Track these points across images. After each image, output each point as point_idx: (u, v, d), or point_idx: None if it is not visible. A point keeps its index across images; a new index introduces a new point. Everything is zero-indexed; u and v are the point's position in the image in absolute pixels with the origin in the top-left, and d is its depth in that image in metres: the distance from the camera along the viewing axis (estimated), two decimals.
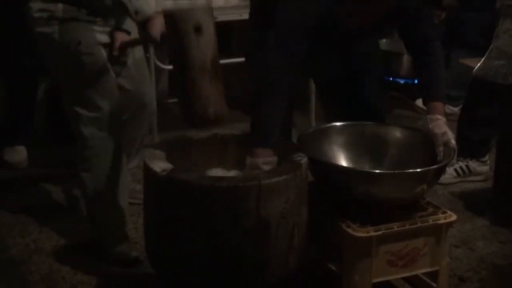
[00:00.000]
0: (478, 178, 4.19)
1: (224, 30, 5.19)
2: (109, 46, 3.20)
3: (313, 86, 4.70)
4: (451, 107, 5.10)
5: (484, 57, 3.49)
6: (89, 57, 3.15)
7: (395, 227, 2.75)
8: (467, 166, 4.20)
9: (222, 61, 4.63)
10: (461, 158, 4.16)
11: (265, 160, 2.71)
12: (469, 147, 4.15)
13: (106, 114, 3.21)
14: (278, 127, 2.77)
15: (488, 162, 4.18)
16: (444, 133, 2.90)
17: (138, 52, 3.52)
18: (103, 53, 3.19)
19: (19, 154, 4.37)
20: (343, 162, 3.04)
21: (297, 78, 2.97)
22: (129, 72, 3.47)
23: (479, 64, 3.50)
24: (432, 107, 2.98)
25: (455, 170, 4.20)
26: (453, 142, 2.89)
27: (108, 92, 3.22)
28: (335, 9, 2.80)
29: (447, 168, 4.13)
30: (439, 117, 2.95)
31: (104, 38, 3.20)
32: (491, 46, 3.48)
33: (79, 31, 3.14)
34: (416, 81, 5.52)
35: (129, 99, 3.49)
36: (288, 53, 2.78)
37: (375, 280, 2.78)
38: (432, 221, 2.83)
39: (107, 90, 3.21)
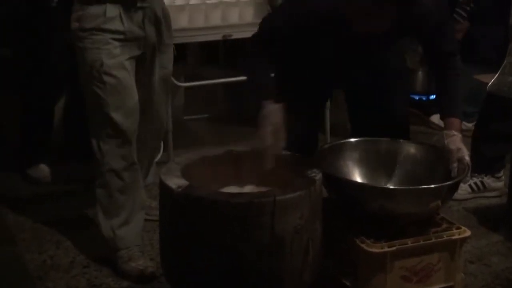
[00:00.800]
0: (493, 194, 4.18)
1: (238, 47, 5.24)
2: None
3: (328, 103, 4.71)
4: (465, 123, 5.07)
5: (498, 73, 3.50)
6: (110, 78, 3.21)
7: (409, 242, 2.76)
8: (481, 182, 4.20)
9: (234, 78, 4.73)
10: (476, 174, 4.16)
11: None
12: (483, 163, 4.15)
13: (125, 132, 3.25)
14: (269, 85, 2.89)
15: (503, 178, 4.17)
16: (459, 150, 2.91)
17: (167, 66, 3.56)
18: (128, 72, 3.25)
19: (42, 172, 4.41)
20: (358, 178, 3.06)
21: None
22: (151, 86, 3.50)
23: (493, 80, 3.51)
24: (449, 122, 3.00)
25: (470, 186, 4.20)
26: (467, 158, 2.90)
27: (129, 111, 3.26)
28: (342, 11, 2.80)
29: (462, 184, 4.13)
30: (455, 133, 2.96)
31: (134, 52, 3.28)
32: (505, 62, 3.49)
33: (103, 52, 3.21)
34: (431, 97, 5.53)
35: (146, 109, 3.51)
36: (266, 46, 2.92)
37: None
38: (446, 236, 2.83)
39: (128, 108, 3.26)
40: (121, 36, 3.25)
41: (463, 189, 4.15)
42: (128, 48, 3.28)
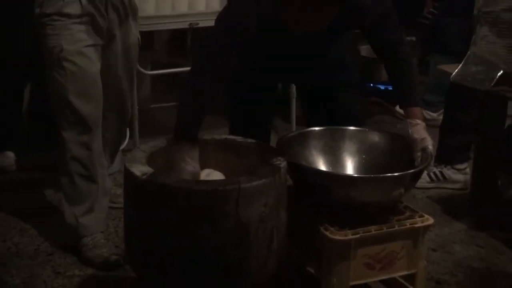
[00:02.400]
0: (456, 186, 4.22)
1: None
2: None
3: (294, 90, 4.73)
4: (430, 113, 5.15)
5: (462, 63, 3.52)
6: (70, 64, 3.19)
7: (373, 230, 2.78)
8: (441, 172, 4.25)
9: None
10: (436, 164, 4.22)
11: (188, 155, 2.76)
12: (446, 153, 4.21)
13: (86, 119, 3.24)
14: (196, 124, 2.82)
15: (468, 171, 4.19)
16: (423, 139, 2.93)
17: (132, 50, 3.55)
18: (89, 59, 3.23)
19: (8, 159, 4.38)
20: (322, 166, 3.07)
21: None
22: (115, 75, 3.49)
23: (456, 70, 3.53)
24: (411, 112, 3.01)
25: (429, 175, 4.25)
26: (431, 148, 2.92)
27: (91, 98, 3.25)
28: (280, 15, 2.77)
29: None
30: (419, 122, 2.98)
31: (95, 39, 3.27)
32: (469, 52, 3.51)
33: (64, 38, 3.20)
34: None
35: (109, 96, 3.50)
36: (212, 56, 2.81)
37: (353, 283, 2.81)
38: (410, 224, 2.86)
39: (90, 96, 3.25)
40: (82, 20, 3.23)
41: (422, 178, 4.20)
42: (90, 34, 3.27)
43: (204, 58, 2.83)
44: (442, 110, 5.03)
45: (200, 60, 2.86)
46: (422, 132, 2.96)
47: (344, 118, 3.20)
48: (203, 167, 2.86)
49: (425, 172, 4.14)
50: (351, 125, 3.15)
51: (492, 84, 3.38)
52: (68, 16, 3.21)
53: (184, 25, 4.68)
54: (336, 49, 3.15)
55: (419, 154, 2.92)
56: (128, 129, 4.30)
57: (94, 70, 3.29)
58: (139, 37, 3.59)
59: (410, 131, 2.97)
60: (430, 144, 2.93)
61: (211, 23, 4.59)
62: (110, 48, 3.41)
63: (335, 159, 3.09)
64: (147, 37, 5.13)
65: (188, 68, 4.96)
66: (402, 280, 3.01)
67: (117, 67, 3.47)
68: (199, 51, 2.91)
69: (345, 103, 3.25)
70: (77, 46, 3.23)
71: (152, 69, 4.96)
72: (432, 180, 4.26)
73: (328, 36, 2.97)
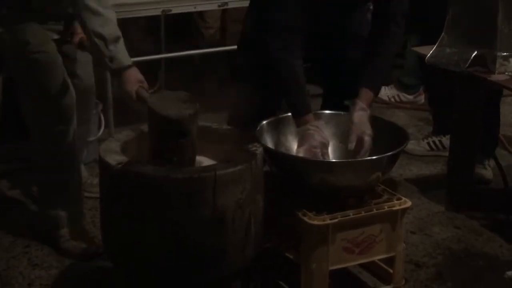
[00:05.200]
0: None
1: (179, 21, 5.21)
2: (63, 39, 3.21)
3: None
4: (407, 95, 5.16)
5: (436, 44, 3.52)
6: (41, 54, 3.15)
7: (351, 214, 2.78)
8: (440, 141, 4.35)
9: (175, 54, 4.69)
10: (435, 134, 4.36)
11: (311, 124, 2.86)
12: (442, 124, 4.32)
13: (60, 107, 3.21)
14: (304, 96, 2.93)
15: None
16: (361, 125, 2.91)
17: None
18: (55, 47, 3.19)
19: None
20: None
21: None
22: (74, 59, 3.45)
23: (431, 52, 3.53)
24: (364, 94, 2.97)
25: (428, 144, 4.38)
26: (367, 139, 2.90)
27: (61, 85, 3.22)
28: None
29: (421, 141, 4.38)
30: (364, 107, 2.95)
31: (55, 35, 3.21)
32: (442, 34, 3.51)
33: (28, 32, 3.14)
34: None
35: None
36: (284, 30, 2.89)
37: (332, 268, 2.81)
38: (387, 207, 2.86)
39: (60, 83, 3.21)
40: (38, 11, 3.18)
41: (422, 146, 4.35)
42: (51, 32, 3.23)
43: (276, 27, 2.90)
44: (419, 92, 5.06)
45: (274, 31, 2.91)
46: (363, 119, 2.92)
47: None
48: None
49: (425, 141, 4.38)
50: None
51: (467, 65, 3.37)
52: (26, 9, 3.16)
53: (157, 12, 4.64)
54: (359, 24, 3.15)
55: (353, 143, 2.90)
56: (103, 118, 4.28)
57: (60, 58, 3.25)
58: None
59: (353, 114, 2.93)
60: (367, 135, 2.90)
61: (184, 9, 4.63)
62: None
63: None
64: (121, 25, 5.09)
65: (162, 55, 5.01)
66: (381, 263, 3.02)
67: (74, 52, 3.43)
68: (268, 25, 2.94)
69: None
70: (42, 35, 3.19)
71: None
72: (431, 149, 4.38)
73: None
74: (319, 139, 2.86)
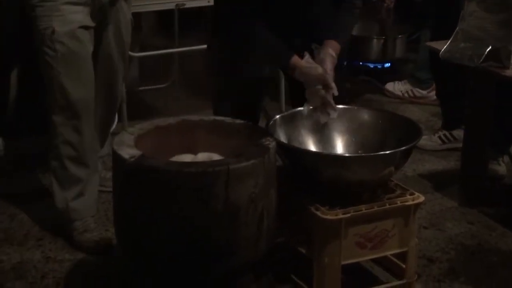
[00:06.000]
0: None
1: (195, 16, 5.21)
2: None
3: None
4: (420, 90, 5.15)
5: (450, 39, 3.51)
6: (63, 46, 3.16)
7: (364, 209, 2.78)
8: (450, 133, 4.35)
9: (189, 48, 4.70)
10: (445, 128, 4.38)
11: (306, 60, 2.88)
12: (451, 119, 4.33)
13: (76, 103, 3.22)
14: (280, 45, 2.95)
15: None
16: (327, 71, 2.90)
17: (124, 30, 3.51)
18: (80, 41, 3.20)
19: None
20: (312, 146, 3.06)
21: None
22: (108, 57, 3.46)
23: (445, 47, 3.51)
24: (330, 42, 2.97)
25: (440, 137, 4.37)
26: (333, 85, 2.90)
27: (82, 82, 3.23)
28: None
29: (432, 136, 4.36)
30: (332, 52, 2.95)
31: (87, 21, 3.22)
32: (457, 28, 3.49)
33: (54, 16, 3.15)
34: (385, 65, 5.55)
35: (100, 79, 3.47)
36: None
37: (344, 262, 2.80)
38: (400, 202, 2.85)
39: (81, 80, 3.22)
40: (72, 1, 3.19)
41: (434, 141, 4.34)
42: (81, 15, 3.23)
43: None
44: (432, 87, 5.05)
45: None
46: (329, 63, 2.92)
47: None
48: (193, 149, 2.85)
49: (436, 135, 4.36)
50: (339, 103, 3.13)
51: (481, 60, 3.36)
52: None
53: (171, 6, 4.65)
54: (323, 16, 3.10)
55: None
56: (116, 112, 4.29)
57: (86, 53, 3.27)
58: (132, 18, 3.56)
59: (319, 55, 2.92)
60: (331, 81, 2.90)
61: (198, 3, 4.63)
62: (101, 29, 3.38)
63: (324, 138, 3.08)
64: (135, 19, 5.10)
65: (175, 50, 5.01)
66: (393, 258, 3.02)
67: (109, 48, 3.44)
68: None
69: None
70: (69, 28, 3.20)
71: (140, 51, 4.93)
72: (443, 142, 4.37)
73: None
74: (316, 74, 2.88)
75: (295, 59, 2.91)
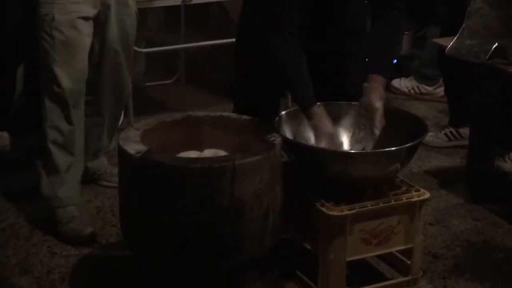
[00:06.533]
0: None
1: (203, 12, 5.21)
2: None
3: None
4: (426, 87, 5.14)
5: (457, 36, 3.50)
6: (61, 34, 3.19)
7: (369, 205, 2.78)
8: (457, 131, 4.34)
9: (196, 44, 4.70)
10: (451, 125, 4.38)
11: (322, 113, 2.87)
12: (458, 116, 4.32)
13: (67, 92, 3.24)
14: (307, 88, 2.88)
15: None
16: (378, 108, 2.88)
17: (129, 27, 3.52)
18: (79, 31, 3.22)
19: (2, 139, 4.35)
20: None
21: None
22: (112, 43, 3.46)
23: (451, 43, 3.51)
24: (375, 77, 2.92)
25: (446, 135, 4.36)
26: (378, 124, 2.88)
27: (75, 73, 3.25)
28: None
29: (438, 133, 4.36)
30: (380, 87, 2.92)
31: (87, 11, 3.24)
32: (463, 25, 3.49)
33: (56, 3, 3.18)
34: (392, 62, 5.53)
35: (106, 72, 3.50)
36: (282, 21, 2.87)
37: (349, 259, 2.81)
38: (406, 199, 2.85)
39: (75, 70, 3.23)
40: None
41: (440, 138, 4.34)
42: (83, 5, 3.25)
43: (272, 22, 2.88)
44: (438, 84, 5.04)
45: (270, 26, 2.90)
46: (377, 97, 2.89)
47: (355, 89, 3.15)
48: (198, 145, 2.85)
49: (442, 132, 4.36)
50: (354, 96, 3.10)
51: (487, 57, 3.36)
52: None
53: (177, 2, 4.65)
54: (352, 15, 3.10)
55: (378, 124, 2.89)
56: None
57: (83, 44, 3.28)
58: (137, 12, 3.56)
59: (368, 96, 2.89)
60: (379, 121, 2.89)
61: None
62: (104, 21, 3.38)
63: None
64: (142, 14, 5.10)
65: (182, 46, 5.01)
66: (399, 255, 3.02)
67: (113, 42, 3.45)
68: (262, 21, 2.93)
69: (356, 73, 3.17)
70: (69, 17, 3.21)
71: (146, 47, 4.93)
72: (450, 139, 4.36)
73: None
74: (327, 130, 2.86)
75: (316, 109, 2.87)
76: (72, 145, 3.34)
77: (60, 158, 3.34)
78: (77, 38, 3.24)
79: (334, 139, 2.91)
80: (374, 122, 2.89)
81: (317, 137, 2.87)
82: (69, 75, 3.25)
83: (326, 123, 2.87)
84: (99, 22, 3.37)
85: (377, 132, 2.88)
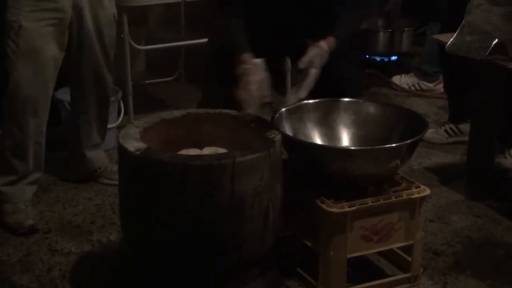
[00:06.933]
0: None
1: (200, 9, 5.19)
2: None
3: (288, 64, 4.70)
4: (427, 83, 5.14)
5: (456, 32, 3.50)
6: (26, 43, 3.17)
7: (369, 202, 2.78)
8: (457, 127, 4.33)
9: (196, 41, 4.70)
10: (451, 121, 4.37)
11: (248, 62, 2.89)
12: (458, 112, 4.32)
13: (25, 101, 3.24)
14: (242, 37, 2.98)
15: None
16: (314, 59, 2.93)
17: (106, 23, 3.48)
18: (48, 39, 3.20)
19: None
20: (318, 139, 3.06)
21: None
22: (88, 46, 3.44)
23: (451, 40, 3.51)
24: (327, 38, 2.99)
25: (446, 131, 4.35)
26: (313, 71, 2.93)
27: (37, 81, 3.23)
28: None
29: (439, 129, 4.34)
30: (324, 45, 2.97)
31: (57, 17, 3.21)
32: (463, 22, 3.49)
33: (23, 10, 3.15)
34: (392, 58, 5.54)
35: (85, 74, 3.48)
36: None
37: (350, 255, 2.81)
38: (406, 195, 2.85)
39: (36, 78, 3.23)
40: None
41: (440, 134, 4.33)
42: (52, 11, 3.21)
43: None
44: (439, 80, 5.04)
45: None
46: (320, 52, 2.94)
47: (344, 86, 3.17)
48: (198, 142, 2.85)
49: (442, 128, 4.35)
50: (351, 93, 3.12)
51: (487, 53, 3.35)
52: None
53: None
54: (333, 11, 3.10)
55: (303, 64, 2.94)
56: (122, 105, 4.29)
57: (48, 54, 3.24)
58: (115, 12, 3.52)
59: (311, 49, 2.94)
60: (315, 67, 2.93)
61: None
62: (79, 25, 3.36)
63: (330, 131, 3.08)
64: (141, 12, 5.10)
65: (182, 43, 5.00)
66: (399, 251, 3.02)
67: (90, 43, 3.42)
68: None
69: (345, 71, 3.20)
70: (37, 25, 3.18)
71: (146, 45, 4.93)
72: (450, 136, 4.35)
73: None
74: (255, 78, 2.88)
75: (246, 56, 2.92)
76: (24, 154, 3.33)
77: (12, 161, 3.35)
78: (42, 48, 3.21)
79: (260, 91, 2.92)
80: (302, 84, 2.94)
81: (240, 87, 2.90)
82: (30, 84, 3.22)
83: (259, 71, 2.90)
84: (73, 25, 3.33)
85: (302, 94, 2.94)
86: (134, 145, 2.63)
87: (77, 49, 3.40)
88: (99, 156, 3.75)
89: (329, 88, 3.10)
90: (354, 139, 3.07)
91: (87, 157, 3.69)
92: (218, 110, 2.98)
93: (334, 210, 2.72)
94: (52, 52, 3.26)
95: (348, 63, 3.23)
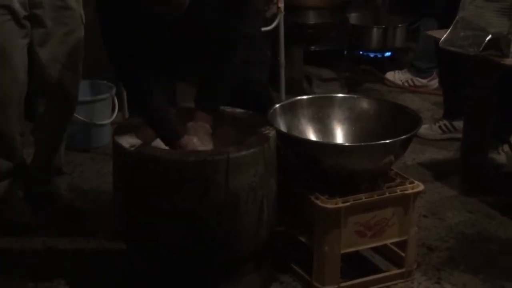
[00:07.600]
0: None
1: None
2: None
3: (283, 59, 4.70)
4: (420, 79, 5.15)
5: (450, 28, 3.51)
6: None
7: (363, 198, 2.79)
8: (451, 123, 4.34)
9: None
10: (446, 118, 4.37)
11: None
12: (452, 108, 4.32)
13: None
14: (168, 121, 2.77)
15: None
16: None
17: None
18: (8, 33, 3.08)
19: None
20: (312, 135, 3.07)
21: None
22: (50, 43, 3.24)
23: (445, 35, 3.52)
24: (202, 115, 2.82)
25: (440, 127, 4.36)
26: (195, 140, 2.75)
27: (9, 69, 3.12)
28: None
29: (433, 125, 4.36)
30: (206, 126, 2.80)
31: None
32: (457, 17, 3.50)
33: None
34: (386, 54, 5.54)
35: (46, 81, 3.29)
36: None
37: (344, 251, 2.82)
38: (400, 191, 2.86)
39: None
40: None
41: (434, 130, 4.34)
42: (12, 8, 3.06)
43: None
44: (432, 76, 5.05)
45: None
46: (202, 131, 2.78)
47: (253, 97, 3.05)
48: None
49: (437, 125, 4.35)
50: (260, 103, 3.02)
51: (481, 49, 3.36)
52: None
53: None
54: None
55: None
56: (116, 101, 4.29)
57: (10, 50, 3.09)
58: (82, 13, 3.29)
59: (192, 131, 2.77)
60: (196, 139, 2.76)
61: None
62: (39, 25, 3.17)
63: (324, 127, 3.09)
64: None
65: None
66: (393, 247, 3.02)
67: (51, 46, 3.21)
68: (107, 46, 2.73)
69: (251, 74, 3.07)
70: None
71: None
72: (443, 132, 4.36)
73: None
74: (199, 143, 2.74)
75: (184, 140, 2.72)
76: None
77: None
78: (3, 43, 3.06)
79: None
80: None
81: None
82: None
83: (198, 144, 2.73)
84: (34, 25, 3.17)
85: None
86: (128, 141, 2.63)
87: (39, 52, 3.21)
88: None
89: (241, 94, 2.97)
90: (348, 135, 3.08)
91: None
92: None
93: (328, 205, 2.73)
94: (13, 48, 3.10)
95: (253, 67, 3.10)
